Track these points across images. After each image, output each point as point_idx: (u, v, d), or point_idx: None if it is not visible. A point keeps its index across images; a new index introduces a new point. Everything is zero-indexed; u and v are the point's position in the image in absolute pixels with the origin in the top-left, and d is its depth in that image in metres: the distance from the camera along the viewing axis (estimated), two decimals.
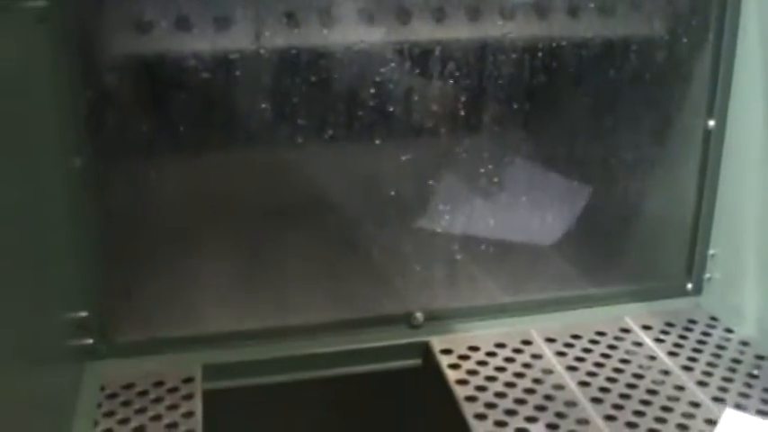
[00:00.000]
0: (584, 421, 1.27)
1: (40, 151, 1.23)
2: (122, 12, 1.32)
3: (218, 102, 1.38)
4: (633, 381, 1.36)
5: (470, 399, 1.31)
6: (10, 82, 1.08)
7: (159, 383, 1.36)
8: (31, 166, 1.18)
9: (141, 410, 1.30)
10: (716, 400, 1.31)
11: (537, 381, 1.36)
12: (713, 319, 1.54)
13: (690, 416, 1.28)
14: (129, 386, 1.35)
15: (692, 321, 1.53)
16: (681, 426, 1.25)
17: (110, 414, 1.29)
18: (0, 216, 0.98)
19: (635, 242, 1.62)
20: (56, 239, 1.29)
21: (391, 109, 1.42)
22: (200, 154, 1.42)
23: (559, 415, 1.28)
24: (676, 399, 1.32)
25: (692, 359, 1.42)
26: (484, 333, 1.49)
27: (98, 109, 1.32)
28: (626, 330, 1.50)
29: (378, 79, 1.40)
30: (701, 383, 1.36)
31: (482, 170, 1.50)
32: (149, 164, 1.39)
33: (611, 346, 1.45)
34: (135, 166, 1.39)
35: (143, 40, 1.33)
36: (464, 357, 1.42)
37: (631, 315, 1.54)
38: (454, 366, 1.39)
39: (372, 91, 1.40)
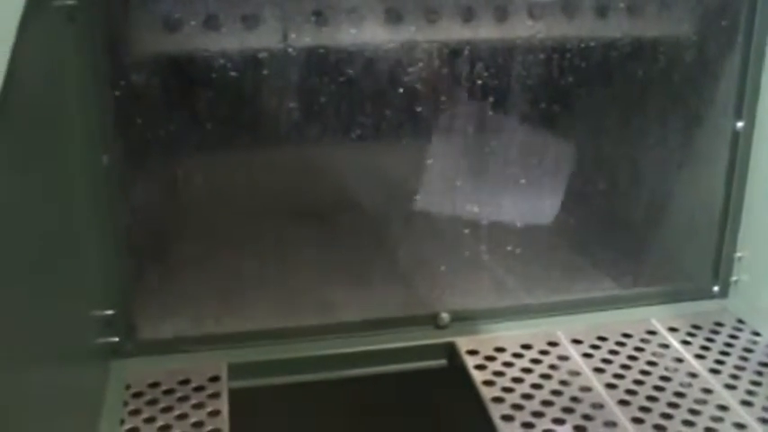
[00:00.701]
0: (611, 424, 1.26)
1: (67, 149, 1.23)
2: (151, 10, 1.32)
3: (246, 100, 1.37)
4: (660, 383, 1.35)
5: (497, 400, 1.31)
6: (40, 80, 1.08)
7: (185, 382, 1.36)
8: (59, 164, 1.18)
9: (167, 409, 1.30)
10: (744, 403, 1.30)
11: (564, 382, 1.36)
12: (740, 321, 1.53)
13: (718, 419, 1.27)
14: (154, 384, 1.35)
15: (719, 324, 1.52)
16: (709, 429, 1.25)
17: (136, 412, 1.29)
18: (28, 214, 0.98)
19: (661, 244, 1.61)
20: (82, 237, 1.29)
21: (419, 109, 1.41)
22: (226, 152, 1.42)
23: (587, 417, 1.27)
24: (704, 402, 1.31)
25: (720, 362, 1.41)
26: (510, 334, 1.48)
27: (126, 107, 1.33)
28: (652, 332, 1.49)
29: (406, 79, 1.40)
30: (729, 387, 1.35)
31: (510, 171, 1.49)
32: (176, 162, 1.40)
33: (638, 348, 1.45)
34: (162, 165, 1.39)
35: (171, 38, 1.33)
36: (490, 358, 1.41)
37: (657, 317, 1.53)
38: (480, 367, 1.39)
39: (400, 91, 1.40)
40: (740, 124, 1.50)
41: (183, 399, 1.32)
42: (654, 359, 1.42)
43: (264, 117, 1.39)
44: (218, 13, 1.33)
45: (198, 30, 1.33)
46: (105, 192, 1.33)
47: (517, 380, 1.36)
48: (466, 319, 1.51)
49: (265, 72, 1.36)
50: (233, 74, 1.35)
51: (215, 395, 1.32)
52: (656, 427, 1.25)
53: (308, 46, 1.36)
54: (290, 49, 1.36)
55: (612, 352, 1.44)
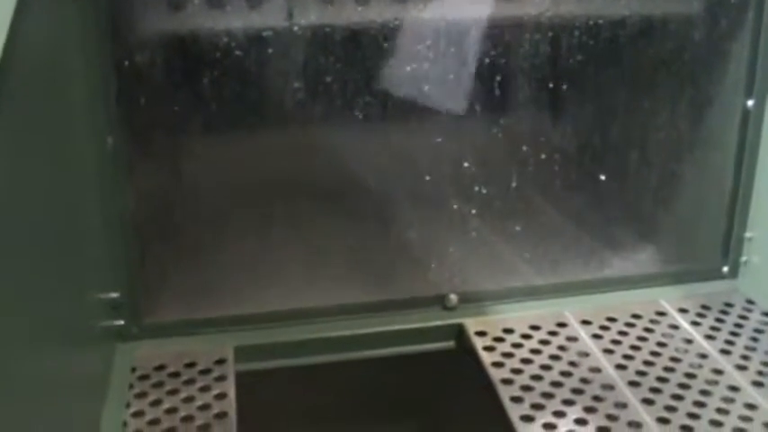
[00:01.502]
0: (621, 405, 1.25)
1: (71, 130, 1.22)
2: None
3: (251, 80, 1.36)
4: (670, 364, 1.35)
5: (506, 381, 1.30)
6: (44, 60, 1.07)
7: (191, 365, 1.35)
8: (64, 146, 1.17)
9: (173, 392, 1.29)
10: (755, 384, 1.29)
11: (573, 363, 1.35)
12: (750, 302, 1.52)
13: (729, 400, 1.26)
14: (160, 367, 1.35)
15: (729, 305, 1.51)
16: (720, 410, 1.24)
17: (142, 395, 1.28)
18: (33, 196, 0.97)
19: (671, 224, 1.60)
20: (88, 220, 1.28)
21: (426, 88, 1.40)
22: (232, 133, 1.40)
23: (597, 398, 1.27)
24: (715, 382, 1.30)
25: (730, 342, 1.40)
26: (518, 315, 1.47)
27: (130, 88, 1.31)
28: (661, 313, 1.48)
29: (412, 58, 1.38)
30: (740, 367, 1.34)
31: (517, 150, 1.48)
32: (181, 143, 1.39)
33: (647, 329, 1.44)
34: (167, 145, 1.38)
35: (175, 17, 1.32)
36: (499, 339, 1.40)
37: (667, 298, 1.52)
38: (489, 349, 1.38)
39: (407, 69, 1.38)
40: (751, 103, 1.49)
41: (190, 382, 1.31)
42: (664, 340, 1.41)
43: (269, 96, 1.38)
44: None
45: (202, 8, 1.32)
46: (110, 173, 1.32)
47: (526, 361, 1.35)
48: (474, 301, 1.50)
49: (270, 51, 1.34)
50: (237, 53, 1.33)
51: (221, 378, 1.32)
52: (667, 408, 1.24)
53: (313, 24, 1.35)
54: (294, 28, 1.34)
55: (622, 333, 1.43)
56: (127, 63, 1.30)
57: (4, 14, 0.89)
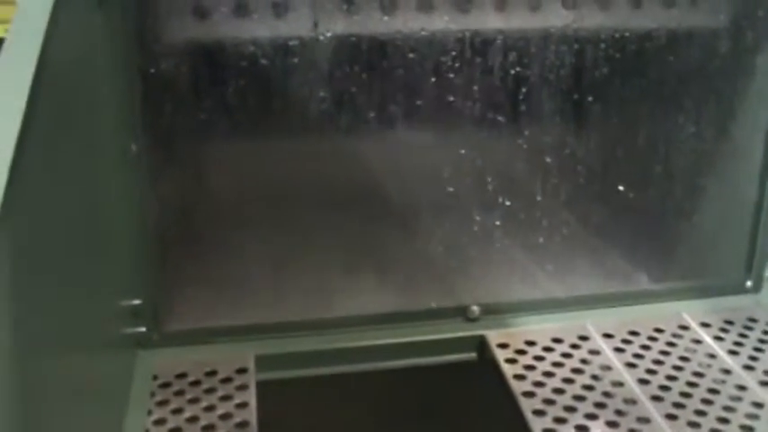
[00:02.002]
0: (644, 420, 1.24)
1: (95, 136, 1.22)
2: None
3: (276, 89, 1.35)
4: (693, 379, 1.34)
5: (528, 394, 1.29)
6: (70, 67, 1.07)
7: (212, 373, 1.35)
8: (88, 152, 1.17)
9: (194, 400, 1.29)
10: None
11: (595, 377, 1.34)
12: None
13: (753, 416, 1.25)
14: (181, 375, 1.34)
15: (752, 320, 1.50)
16: (745, 427, 1.23)
17: (163, 403, 1.28)
18: (56, 202, 0.97)
19: (693, 238, 1.58)
20: (110, 226, 1.29)
21: (451, 99, 1.39)
22: (255, 141, 1.40)
23: (619, 413, 1.26)
24: (739, 399, 1.29)
25: (754, 358, 1.39)
26: (540, 327, 1.47)
27: (155, 95, 1.31)
28: (684, 327, 1.47)
29: (438, 69, 1.38)
30: (764, 383, 1.33)
31: (541, 162, 1.47)
32: (205, 151, 1.38)
33: (670, 344, 1.43)
34: (191, 153, 1.38)
35: (201, 25, 1.32)
36: (521, 352, 1.40)
37: (689, 312, 1.51)
38: (511, 361, 1.37)
39: (433, 80, 1.38)
40: None
41: (211, 390, 1.31)
42: (686, 355, 1.40)
43: (294, 106, 1.37)
44: (248, 0, 1.31)
45: (228, 17, 1.31)
46: (133, 180, 1.32)
47: (548, 374, 1.34)
48: (496, 312, 1.49)
49: (296, 60, 1.34)
50: (263, 62, 1.33)
51: (242, 387, 1.31)
52: (691, 423, 1.23)
53: (339, 34, 1.34)
54: (320, 37, 1.34)
55: (644, 347, 1.42)
56: (152, 70, 1.30)
57: (39, 23, 0.90)
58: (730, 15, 1.46)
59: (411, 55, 1.36)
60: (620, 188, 1.51)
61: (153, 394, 1.30)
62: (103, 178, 1.26)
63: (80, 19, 1.15)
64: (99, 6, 1.22)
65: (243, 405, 1.27)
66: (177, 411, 1.26)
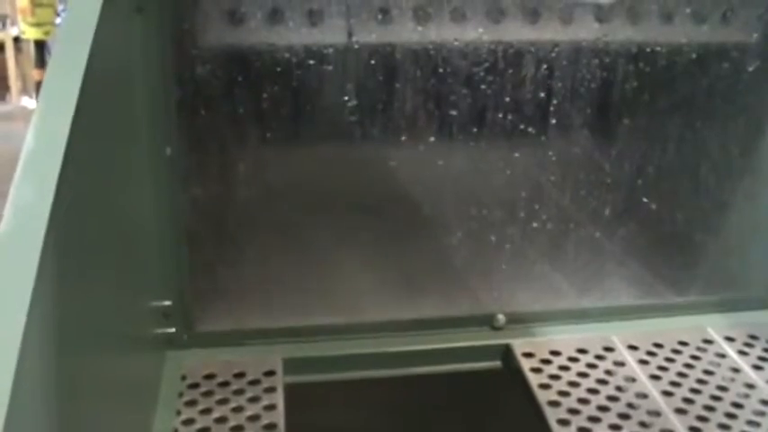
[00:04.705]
0: None
1: (131, 139, 1.25)
2: (217, 3, 1.32)
3: (309, 96, 1.37)
4: (717, 393, 1.34)
5: (553, 404, 1.30)
6: (111, 71, 1.09)
7: (240, 375, 1.36)
8: (125, 154, 1.19)
9: (223, 401, 1.30)
10: None
11: (619, 388, 1.35)
12: None
13: None
14: (210, 376, 1.36)
15: None
16: None
17: (192, 404, 1.30)
18: (94, 206, 0.99)
19: (719, 252, 1.59)
20: (143, 227, 1.30)
21: (482, 109, 1.41)
22: (287, 147, 1.42)
23: (643, 424, 1.27)
24: (762, 413, 1.30)
25: None
26: (565, 338, 1.48)
27: (190, 99, 1.33)
28: (708, 341, 1.48)
29: (470, 79, 1.39)
30: None
31: (569, 174, 1.48)
32: (238, 155, 1.40)
33: (694, 357, 1.44)
34: (224, 158, 1.40)
35: (237, 31, 1.33)
36: (546, 362, 1.41)
37: (714, 326, 1.52)
38: (536, 370, 1.38)
39: (465, 91, 1.39)
40: None
41: (239, 392, 1.32)
42: (711, 368, 1.41)
43: (327, 113, 1.39)
44: (284, 7, 1.33)
45: (263, 24, 1.33)
46: (167, 183, 1.34)
47: (573, 384, 1.35)
48: (522, 322, 1.50)
49: (329, 68, 1.36)
50: (297, 69, 1.35)
51: (270, 389, 1.33)
52: None
53: (372, 43, 1.36)
54: (354, 46, 1.35)
55: (668, 359, 1.43)
56: (188, 75, 1.32)
57: (86, 29, 0.92)
58: (760, 31, 1.46)
59: (444, 65, 1.38)
60: (645, 200, 1.52)
61: (181, 394, 1.32)
62: (138, 181, 1.28)
63: (121, 25, 1.17)
64: (139, 12, 1.24)
65: (271, 407, 1.29)
66: (206, 412, 1.28)
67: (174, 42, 1.30)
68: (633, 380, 1.37)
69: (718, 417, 1.29)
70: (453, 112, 1.40)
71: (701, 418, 1.28)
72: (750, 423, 1.27)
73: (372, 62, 1.36)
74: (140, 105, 1.27)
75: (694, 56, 1.45)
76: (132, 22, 1.23)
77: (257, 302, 1.46)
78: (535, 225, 1.49)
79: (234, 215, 1.43)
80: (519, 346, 1.44)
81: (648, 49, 1.43)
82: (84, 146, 0.89)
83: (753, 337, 1.50)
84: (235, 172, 1.41)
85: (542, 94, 1.42)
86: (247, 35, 1.34)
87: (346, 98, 1.38)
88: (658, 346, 1.46)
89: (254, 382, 1.34)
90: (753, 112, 1.51)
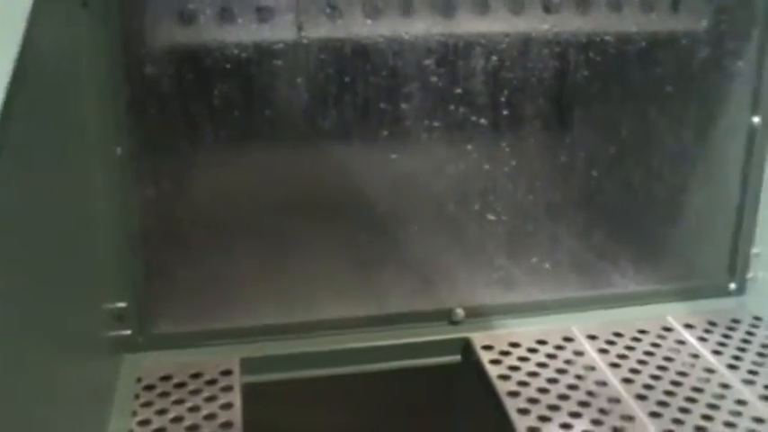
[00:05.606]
0: (628, 417, 1.25)
1: (80, 139, 1.23)
2: (166, 1, 1.31)
3: (260, 93, 1.36)
4: (677, 378, 1.34)
5: (513, 394, 1.30)
6: (52, 67, 1.07)
7: (197, 375, 1.35)
8: (73, 155, 1.18)
9: (179, 401, 1.29)
10: (763, 398, 1.29)
11: (579, 377, 1.34)
12: (757, 318, 1.52)
13: (737, 413, 1.26)
14: (166, 378, 1.34)
15: (736, 321, 1.51)
16: (728, 423, 1.23)
17: (147, 405, 1.28)
18: (40, 205, 0.97)
19: (677, 241, 1.60)
20: (95, 229, 1.29)
21: (435, 102, 1.40)
22: (240, 145, 1.41)
23: (603, 411, 1.26)
24: (722, 396, 1.30)
25: (737, 358, 1.40)
26: (525, 330, 1.47)
27: (140, 98, 1.32)
28: (668, 329, 1.48)
29: (421, 72, 1.39)
30: (748, 382, 1.33)
31: (523, 166, 1.48)
32: (190, 154, 1.38)
33: (654, 344, 1.43)
34: (176, 157, 1.38)
35: (186, 29, 1.33)
36: (505, 353, 1.40)
37: (673, 314, 1.52)
38: (495, 362, 1.37)
39: (416, 84, 1.39)
40: (756, 119, 1.49)
41: (196, 392, 1.31)
42: (670, 355, 1.41)
43: (278, 109, 1.38)
44: (233, 4, 1.32)
45: (212, 21, 1.33)
46: (118, 184, 1.33)
47: (533, 374, 1.35)
48: (481, 315, 1.50)
49: (280, 64, 1.35)
50: (247, 66, 1.34)
51: (227, 388, 1.31)
52: (675, 421, 1.24)
53: (322, 38, 1.36)
54: (304, 41, 1.35)
55: (628, 348, 1.43)
56: (137, 74, 1.31)
57: (17, 23, 0.90)
58: (710, 20, 1.47)
59: (394, 58, 1.37)
60: (607, 194, 1.52)
61: (137, 396, 1.30)
62: (88, 180, 1.26)
63: (64, 21, 1.16)
64: (84, 8, 1.23)
65: (227, 406, 1.27)
66: (161, 412, 1.26)
67: (122, 41, 1.29)
68: (593, 368, 1.37)
69: (678, 401, 1.28)
70: (405, 106, 1.40)
71: (662, 403, 1.28)
72: (710, 406, 1.27)
73: (322, 57, 1.36)
74: (89, 105, 1.26)
75: (644, 44, 1.45)
76: (77, 19, 1.22)
77: (214, 303, 1.44)
78: (491, 218, 1.49)
79: (188, 215, 1.42)
80: (478, 339, 1.43)
81: (598, 39, 1.43)
82: (19, 144, 0.87)
83: (712, 323, 1.50)
84: (188, 171, 1.40)
85: (494, 86, 1.42)
86: (197, 33, 1.33)
87: (297, 93, 1.37)
88: (618, 335, 1.46)
89: (211, 382, 1.33)
90: (705, 100, 1.52)
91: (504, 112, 1.44)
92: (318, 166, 1.43)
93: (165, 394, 1.30)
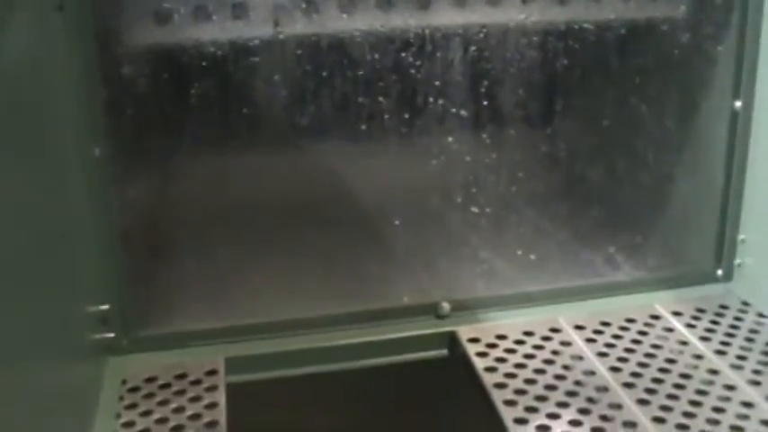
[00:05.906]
0: (616, 406, 1.24)
1: (57, 141, 1.22)
2: (141, 1, 1.30)
3: (238, 90, 1.36)
4: (666, 365, 1.33)
5: (499, 386, 1.29)
6: (27, 69, 1.07)
7: (182, 376, 1.34)
8: (50, 157, 1.17)
9: (164, 402, 1.28)
10: (751, 383, 1.28)
11: (567, 367, 1.34)
12: (745, 304, 1.51)
13: (726, 399, 1.25)
14: (151, 379, 1.33)
15: (724, 307, 1.50)
16: (717, 408, 1.22)
17: (132, 406, 1.27)
18: (20, 208, 0.96)
19: (663, 228, 1.59)
20: (76, 231, 1.28)
21: (413, 95, 1.40)
22: (219, 143, 1.40)
23: (591, 400, 1.25)
24: (711, 382, 1.29)
25: (725, 344, 1.39)
26: (511, 322, 1.46)
27: (117, 98, 1.31)
28: (656, 317, 1.47)
29: (399, 65, 1.38)
30: (736, 367, 1.32)
31: (506, 156, 1.47)
32: (170, 154, 1.38)
33: (642, 333, 1.43)
34: (155, 156, 1.38)
35: (162, 29, 1.32)
36: (492, 346, 1.39)
37: (661, 302, 1.51)
38: (482, 354, 1.37)
39: (393, 77, 1.38)
40: (738, 104, 1.49)
41: (180, 392, 1.30)
42: (658, 342, 1.40)
43: (257, 106, 1.37)
44: (207, 2, 1.32)
45: (188, 20, 1.32)
46: (98, 185, 1.32)
47: (520, 366, 1.34)
48: (466, 308, 1.49)
49: (257, 61, 1.35)
50: (224, 63, 1.34)
51: (212, 388, 1.31)
52: (663, 407, 1.23)
53: (298, 33, 1.35)
54: (280, 37, 1.34)
55: (616, 336, 1.42)
56: (114, 74, 1.30)
57: None
58: (689, 5, 1.47)
59: (372, 52, 1.37)
60: (591, 183, 1.52)
61: (122, 398, 1.29)
62: (67, 182, 1.25)
63: (38, 22, 1.15)
64: (59, 10, 1.22)
65: (212, 405, 1.26)
66: (146, 413, 1.25)
67: (98, 41, 1.28)
68: (580, 358, 1.36)
69: (666, 388, 1.28)
70: (382, 99, 1.39)
71: (650, 391, 1.27)
72: (699, 392, 1.26)
73: (299, 52, 1.35)
74: (66, 106, 1.25)
75: (623, 32, 1.45)
76: (52, 20, 1.21)
77: (198, 303, 1.43)
78: (474, 210, 1.48)
79: (169, 215, 1.41)
80: (464, 332, 1.43)
81: (577, 27, 1.43)
82: None
83: (700, 310, 1.49)
84: (167, 171, 1.39)
85: (473, 77, 1.41)
86: (172, 32, 1.33)
87: (275, 90, 1.36)
88: (605, 324, 1.45)
89: (196, 383, 1.32)
90: (686, 85, 1.51)
91: (485, 103, 1.43)
92: (298, 162, 1.42)
93: (149, 396, 1.30)
